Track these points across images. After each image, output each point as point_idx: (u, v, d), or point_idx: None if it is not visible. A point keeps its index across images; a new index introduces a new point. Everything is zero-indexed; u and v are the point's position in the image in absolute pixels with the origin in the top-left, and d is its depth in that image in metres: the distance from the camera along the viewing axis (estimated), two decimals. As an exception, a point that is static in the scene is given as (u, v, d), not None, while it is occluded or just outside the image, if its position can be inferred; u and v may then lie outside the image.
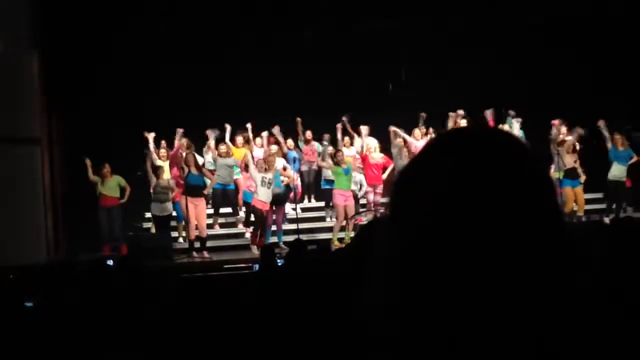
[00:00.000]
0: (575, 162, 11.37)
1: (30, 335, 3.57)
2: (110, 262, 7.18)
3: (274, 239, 11.25)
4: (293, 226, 11.91)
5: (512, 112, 12.84)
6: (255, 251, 10.70)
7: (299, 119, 13.21)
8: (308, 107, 13.38)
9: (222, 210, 12.50)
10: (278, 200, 11.38)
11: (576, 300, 0.78)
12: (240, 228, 12.28)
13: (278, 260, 6.02)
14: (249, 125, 12.55)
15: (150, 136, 11.71)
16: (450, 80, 13.35)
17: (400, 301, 0.80)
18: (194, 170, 10.55)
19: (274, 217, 11.47)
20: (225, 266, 9.65)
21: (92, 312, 3.78)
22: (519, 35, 13.32)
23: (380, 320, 0.83)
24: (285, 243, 10.81)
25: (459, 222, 0.77)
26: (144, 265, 7.17)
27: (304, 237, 10.81)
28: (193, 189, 10.51)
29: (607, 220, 9.86)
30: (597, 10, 12.82)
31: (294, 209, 12.50)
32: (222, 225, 12.44)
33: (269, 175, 10.93)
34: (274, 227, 11.46)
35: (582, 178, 11.61)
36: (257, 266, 8.02)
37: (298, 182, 12.69)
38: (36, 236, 10.89)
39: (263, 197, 10.87)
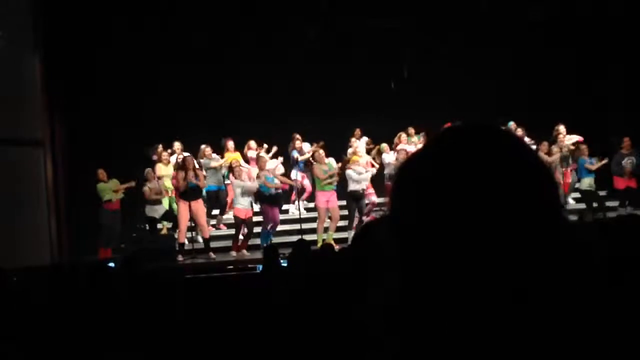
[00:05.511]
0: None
1: (34, 335, 3.58)
2: (111, 265, 7.19)
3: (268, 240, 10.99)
4: (296, 226, 11.80)
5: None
6: (233, 255, 10.72)
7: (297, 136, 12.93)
8: (308, 107, 13.37)
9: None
10: (271, 202, 11.17)
11: (575, 298, 0.78)
12: (223, 229, 12.14)
13: (281, 261, 6.01)
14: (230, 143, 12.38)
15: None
16: (450, 80, 13.33)
17: (400, 302, 0.80)
18: (191, 174, 10.56)
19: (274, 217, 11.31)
20: (229, 267, 9.65)
21: (93, 314, 3.79)
22: (520, 35, 13.29)
23: (380, 320, 0.83)
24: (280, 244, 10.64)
25: (453, 218, 0.77)
26: (148, 266, 7.19)
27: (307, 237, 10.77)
28: (192, 191, 10.50)
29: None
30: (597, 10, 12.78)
31: (299, 209, 12.45)
32: (229, 227, 12.20)
33: (249, 184, 10.90)
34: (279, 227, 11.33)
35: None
36: (260, 267, 8.01)
37: (305, 182, 12.55)
38: (39, 238, 10.87)
39: (243, 204, 10.88)
